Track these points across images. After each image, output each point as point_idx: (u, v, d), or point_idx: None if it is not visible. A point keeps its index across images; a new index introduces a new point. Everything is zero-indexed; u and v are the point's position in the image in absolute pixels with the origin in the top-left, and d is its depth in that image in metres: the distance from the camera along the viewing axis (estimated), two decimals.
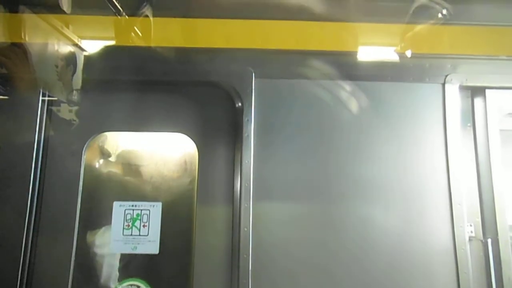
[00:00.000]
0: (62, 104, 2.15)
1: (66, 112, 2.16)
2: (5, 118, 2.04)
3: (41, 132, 2.06)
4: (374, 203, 2.08)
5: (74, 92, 2.15)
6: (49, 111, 2.12)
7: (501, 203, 2.08)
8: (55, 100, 2.13)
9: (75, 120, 2.15)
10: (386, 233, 2.05)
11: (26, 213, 1.95)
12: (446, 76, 2.20)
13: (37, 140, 2.03)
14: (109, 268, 2.11)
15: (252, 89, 2.13)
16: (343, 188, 2.09)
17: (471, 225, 2.11)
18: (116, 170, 2.29)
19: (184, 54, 2.17)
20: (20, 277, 1.91)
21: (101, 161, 2.30)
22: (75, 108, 2.16)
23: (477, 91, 2.24)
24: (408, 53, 2.23)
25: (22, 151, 2.01)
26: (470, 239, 2.08)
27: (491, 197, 2.10)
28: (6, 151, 2.01)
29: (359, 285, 2.00)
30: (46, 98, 2.10)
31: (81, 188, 2.07)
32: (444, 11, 2.19)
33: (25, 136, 2.03)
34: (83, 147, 2.11)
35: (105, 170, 2.29)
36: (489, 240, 2.07)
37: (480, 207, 2.15)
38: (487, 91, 2.21)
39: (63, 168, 2.08)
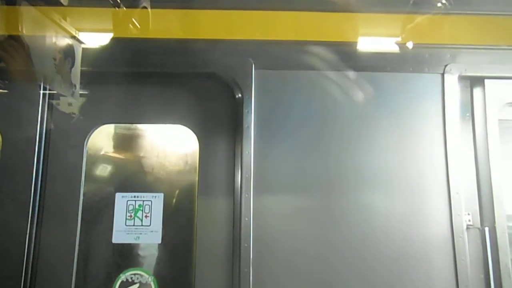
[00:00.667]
0: (62, 98, 2.15)
1: (66, 105, 2.16)
2: (5, 112, 2.04)
3: (42, 126, 2.07)
4: (373, 193, 2.11)
5: (74, 85, 2.15)
6: (50, 105, 2.12)
7: (499, 192, 2.10)
8: (55, 93, 2.13)
9: (75, 113, 2.15)
10: (384, 223, 2.07)
11: (29, 206, 1.97)
12: (446, 66, 2.20)
13: (39, 134, 2.04)
14: (112, 258, 2.14)
15: (252, 80, 2.13)
16: (343, 178, 2.11)
17: (469, 214, 2.13)
18: (118, 161, 2.30)
19: (184, 46, 2.16)
20: (25, 268, 1.93)
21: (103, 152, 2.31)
22: (75, 101, 2.16)
23: (476, 81, 2.25)
24: (409, 44, 2.23)
25: (23, 145, 2.02)
26: (468, 227, 2.10)
27: (489, 186, 2.12)
28: (7, 145, 2.02)
29: (359, 273, 2.03)
30: (47, 92, 2.10)
31: (83, 180, 2.09)
32: (444, 0, 2.18)
33: (27, 130, 2.04)
34: (85, 139, 2.12)
35: (107, 161, 2.30)
36: (487, 229, 2.09)
37: (478, 196, 2.17)
38: (486, 81, 2.21)
39: (65, 161, 2.09)
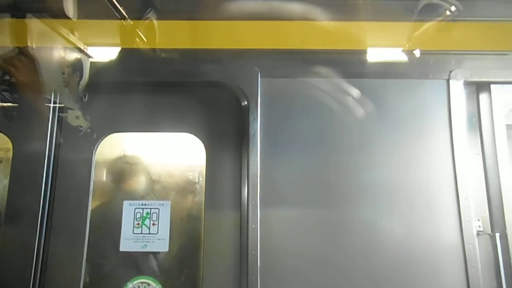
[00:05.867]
0: (71, 110, 2.18)
1: (75, 117, 2.19)
2: (16, 126, 2.07)
3: (52, 138, 2.09)
4: (381, 199, 2.09)
5: (82, 97, 2.18)
6: (59, 117, 2.15)
7: (509, 197, 2.08)
8: (63, 106, 2.16)
9: (84, 125, 2.18)
10: (394, 229, 2.05)
11: (38, 219, 1.98)
12: (451, 72, 2.21)
13: (48, 146, 2.06)
14: (120, 266, 2.13)
15: (258, 88, 2.15)
16: (349, 185, 2.10)
17: (479, 220, 2.10)
18: (125, 169, 2.32)
19: (191, 56, 2.20)
20: (33, 282, 1.93)
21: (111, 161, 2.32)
22: (84, 111, 2.19)
23: (482, 86, 2.24)
24: (415, 52, 2.24)
25: (33, 157, 2.04)
26: (478, 233, 2.07)
27: (499, 192, 2.09)
28: (17, 158, 2.05)
29: (368, 281, 2.00)
30: (57, 105, 2.13)
31: (92, 190, 2.10)
32: (453, 8, 2.18)
33: (36, 142, 2.06)
34: (94, 149, 2.14)
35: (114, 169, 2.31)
36: (497, 234, 2.06)
37: (487, 201, 2.14)
38: (492, 86, 2.20)
39: (74, 170, 2.11)
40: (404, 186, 2.10)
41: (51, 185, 2.06)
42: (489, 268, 2.05)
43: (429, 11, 2.21)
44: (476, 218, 2.09)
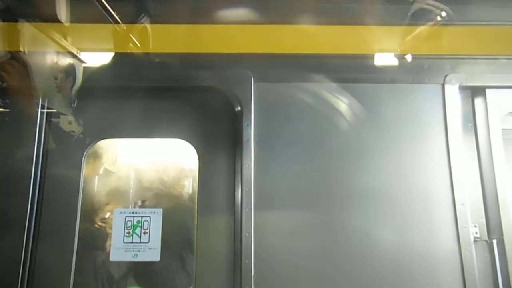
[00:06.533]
0: (62, 115, 2.15)
1: (66, 122, 2.16)
2: (5, 130, 2.04)
3: (40, 143, 2.05)
4: (377, 205, 2.06)
5: (74, 102, 2.15)
6: (49, 122, 2.11)
7: (505, 202, 2.06)
8: (54, 111, 2.13)
9: (74, 131, 2.15)
10: (388, 237, 2.03)
11: (25, 225, 1.93)
12: (446, 76, 2.20)
13: (37, 151, 2.02)
14: (110, 276, 2.09)
15: (251, 93, 2.13)
16: (344, 191, 2.07)
17: (475, 226, 2.09)
18: (115, 176, 2.28)
19: (184, 60, 2.18)
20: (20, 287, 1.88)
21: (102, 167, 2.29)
22: (74, 117, 2.16)
23: (477, 91, 2.24)
24: (410, 57, 2.23)
25: (22, 162, 2.00)
26: (475, 240, 2.05)
27: (495, 197, 2.08)
28: (6, 163, 2.00)
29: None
30: (45, 110, 2.10)
31: (81, 196, 2.06)
32: (444, 13, 2.19)
33: (25, 147, 2.02)
34: (83, 154, 2.11)
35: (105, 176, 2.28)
36: (495, 241, 2.04)
37: (484, 207, 2.12)
38: (487, 90, 2.20)
39: (63, 176, 2.07)
40: (400, 192, 2.08)
41: (39, 190, 2.01)
42: (486, 275, 2.03)
43: (421, 16, 2.21)
44: (473, 224, 2.07)
